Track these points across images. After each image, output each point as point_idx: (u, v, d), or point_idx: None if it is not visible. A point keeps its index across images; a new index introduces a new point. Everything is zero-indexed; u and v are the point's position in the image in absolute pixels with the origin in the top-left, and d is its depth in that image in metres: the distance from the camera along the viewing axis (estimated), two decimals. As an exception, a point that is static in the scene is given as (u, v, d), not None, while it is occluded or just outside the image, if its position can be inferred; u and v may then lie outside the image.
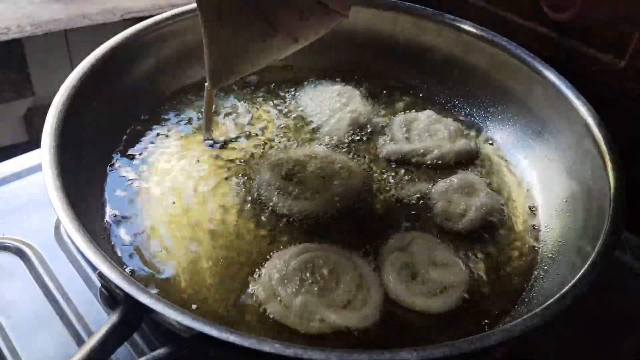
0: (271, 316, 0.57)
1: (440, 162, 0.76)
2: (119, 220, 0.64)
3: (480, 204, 0.69)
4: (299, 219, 0.67)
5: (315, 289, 0.58)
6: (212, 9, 0.60)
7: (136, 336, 0.59)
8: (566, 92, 0.72)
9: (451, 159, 0.76)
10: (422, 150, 0.76)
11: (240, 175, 0.71)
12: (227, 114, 0.80)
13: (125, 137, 0.74)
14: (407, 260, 0.62)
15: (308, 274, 0.59)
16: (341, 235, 0.66)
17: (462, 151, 0.77)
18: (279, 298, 0.57)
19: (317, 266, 0.59)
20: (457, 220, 0.68)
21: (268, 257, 0.62)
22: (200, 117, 0.77)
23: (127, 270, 0.60)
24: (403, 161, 0.76)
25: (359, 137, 0.78)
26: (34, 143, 0.63)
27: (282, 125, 0.79)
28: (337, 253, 0.62)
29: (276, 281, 0.58)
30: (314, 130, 0.79)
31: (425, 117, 0.80)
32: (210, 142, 0.75)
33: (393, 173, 0.75)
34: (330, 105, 0.81)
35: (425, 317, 0.59)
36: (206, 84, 0.70)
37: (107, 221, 0.64)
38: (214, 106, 0.74)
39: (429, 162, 0.76)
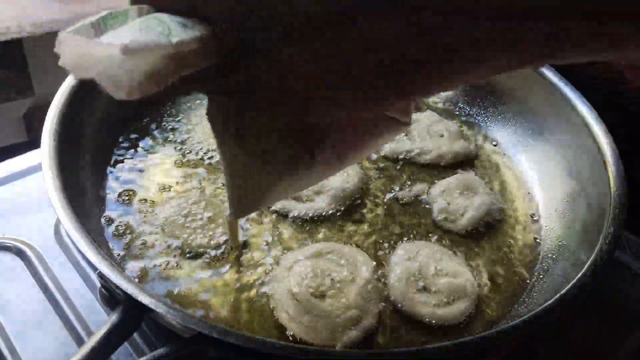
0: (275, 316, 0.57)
1: (439, 162, 0.76)
2: (119, 220, 0.64)
3: (480, 204, 0.69)
4: (301, 219, 0.67)
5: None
6: (224, 123, 0.42)
7: (136, 336, 0.59)
8: (566, 92, 0.72)
9: (450, 159, 0.76)
10: (420, 150, 0.76)
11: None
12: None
13: (125, 136, 0.74)
14: (415, 270, 0.61)
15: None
16: (341, 235, 0.66)
17: (461, 152, 0.77)
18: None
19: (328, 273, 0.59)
20: (456, 220, 0.68)
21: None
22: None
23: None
24: (402, 161, 0.76)
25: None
26: (33, 143, 0.63)
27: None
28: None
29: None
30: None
31: (426, 117, 0.80)
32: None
33: (392, 172, 0.75)
34: None
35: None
36: (227, 212, 0.55)
37: (107, 221, 0.64)
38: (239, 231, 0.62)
39: (427, 161, 0.76)
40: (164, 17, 0.34)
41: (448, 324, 0.58)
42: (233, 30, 0.34)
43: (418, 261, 0.62)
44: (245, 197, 0.48)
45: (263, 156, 0.43)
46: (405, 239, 0.66)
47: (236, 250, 0.62)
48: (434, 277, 0.60)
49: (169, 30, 0.32)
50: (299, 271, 0.59)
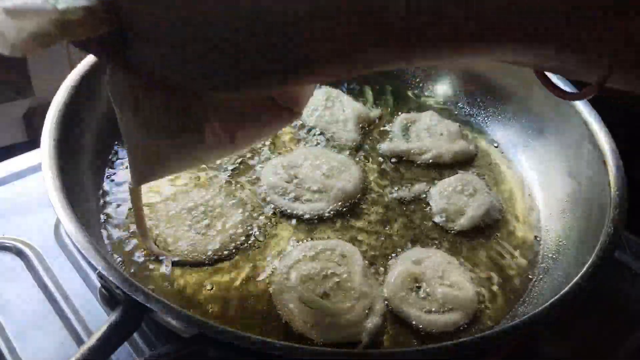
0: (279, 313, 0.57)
1: (438, 162, 0.76)
2: (119, 219, 0.64)
3: (480, 204, 0.69)
4: (304, 220, 0.67)
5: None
6: (124, 98, 0.44)
7: (136, 336, 0.59)
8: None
9: (449, 159, 0.76)
10: (420, 150, 0.76)
11: (242, 179, 0.71)
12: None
13: (125, 137, 0.74)
14: (416, 273, 0.61)
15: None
16: (343, 235, 0.66)
17: (460, 152, 0.77)
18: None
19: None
20: (456, 219, 0.68)
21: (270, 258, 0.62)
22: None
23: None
24: (402, 160, 0.76)
25: (358, 137, 0.78)
26: (33, 143, 0.63)
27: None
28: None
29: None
30: (309, 132, 0.78)
31: (426, 117, 0.80)
32: (153, 257, 0.60)
33: (393, 172, 0.75)
34: (323, 106, 0.81)
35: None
36: (129, 181, 0.54)
37: (107, 221, 0.64)
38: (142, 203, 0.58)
39: (427, 161, 0.76)
40: None
41: (435, 330, 0.58)
42: (117, 5, 0.36)
43: (423, 265, 0.62)
44: (144, 165, 0.50)
45: (156, 126, 0.45)
46: (418, 243, 0.66)
47: (144, 234, 0.59)
48: (434, 284, 0.60)
49: None
50: (302, 277, 0.58)
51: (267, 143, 0.75)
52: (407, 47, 0.34)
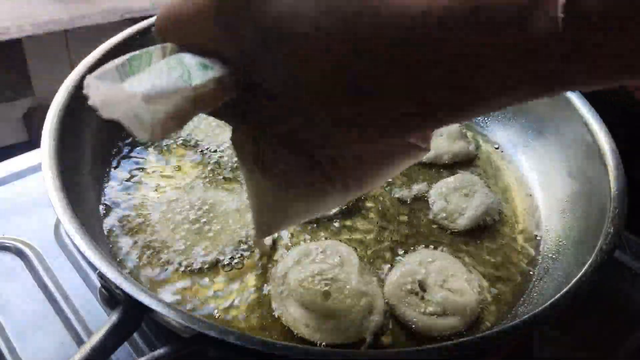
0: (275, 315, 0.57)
1: (438, 162, 0.76)
2: (119, 220, 0.64)
3: (479, 204, 0.69)
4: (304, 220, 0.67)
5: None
6: (246, 151, 0.44)
7: (136, 336, 0.59)
8: (566, 92, 0.72)
9: (450, 159, 0.76)
10: (420, 150, 0.76)
11: (242, 180, 0.71)
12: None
13: (125, 136, 0.74)
14: (418, 274, 0.61)
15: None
16: (342, 235, 0.66)
17: (460, 152, 0.77)
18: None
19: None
20: (455, 219, 0.68)
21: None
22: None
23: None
24: (403, 161, 0.76)
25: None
26: (33, 143, 0.63)
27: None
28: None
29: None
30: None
31: (426, 117, 0.80)
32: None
33: (393, 173, 0.75)
34: None
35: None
36: (253, 232, 0.57)
37: (106, 221, 0.64)
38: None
39: (427, 161, 0.76)
40: (185, 57, 0.36)
41: (430, 333, 0.57)
42: (246, 70, 0.36)
43: (427, 268, 0.61)
44: (268, 219, 0.50)
45: (284, 182, 0.44)
46: (418, 243, 0.66)
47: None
48: (436, 287, 0.60)
49: (189, 73, 0.34)
50: (300, 280, 0.58)
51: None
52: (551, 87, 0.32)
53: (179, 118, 0.33)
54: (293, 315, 0.57)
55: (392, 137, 0.39)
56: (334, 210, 0.68)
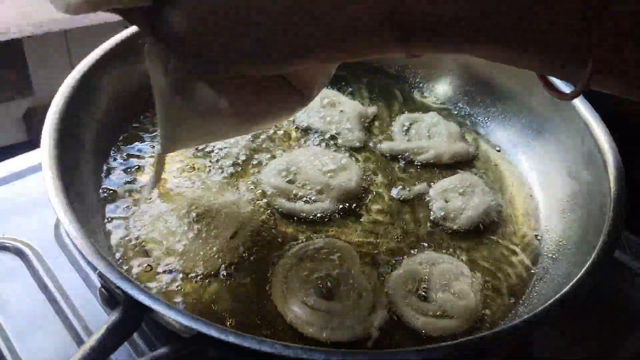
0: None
1: (438, 162, 0.76)
2: (119, 219, 0.64)
3: (479, 204, 0.69)
4: (304, 220, 0.67)
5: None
6: (155, 61, 0.49)
7: (136, 336, 0.59)
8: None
9: (450, 159, 0.76)
10: (420, 150, 0.76)
11: (242, 181, 0.71)
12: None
13: (125, 136, 0.74)
14: (421, 275, 0.61)
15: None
16: (343, 235, 0.66)
17: (460, 152, 0.77)
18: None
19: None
20: (455, 219, 0.68)
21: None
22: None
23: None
24: (402, 160, 0.76)
25: (364, 136, 0.78)
26: (33, 143, 0.63)
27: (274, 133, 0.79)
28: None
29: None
30: (309, 133, 0.78)
31: (428, 118, 0.81)
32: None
33: (393, 172, 0.75)
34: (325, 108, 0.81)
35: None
36: (157, 146, 0.59)
37: (107, 221, 0.64)
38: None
39: (427, 161, 0.76)
40: None
41: (430, 334, 0.57)
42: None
43: (430, 270, 0.61)
44: (173, 133, 0.54)
45: (180, 93, 0.49)
46: (419, 243, 0.66)
47: (155, 187, 0.65)
48: (437, 288, 0.60)
49: None
50: (302, 280, 0.58)
51: (267, 144, 0.76)
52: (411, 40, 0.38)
53: (93, 3, 0.41)
54: (297, 314, 0.57)
55: (266, 68, 0.43)
56: (327, 204, 0.67)
